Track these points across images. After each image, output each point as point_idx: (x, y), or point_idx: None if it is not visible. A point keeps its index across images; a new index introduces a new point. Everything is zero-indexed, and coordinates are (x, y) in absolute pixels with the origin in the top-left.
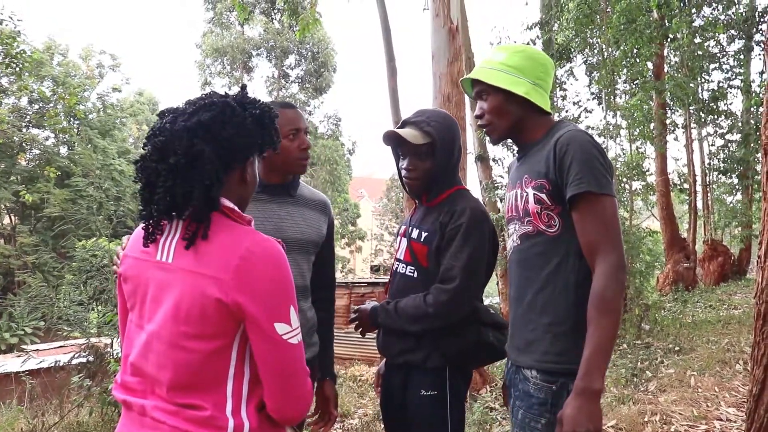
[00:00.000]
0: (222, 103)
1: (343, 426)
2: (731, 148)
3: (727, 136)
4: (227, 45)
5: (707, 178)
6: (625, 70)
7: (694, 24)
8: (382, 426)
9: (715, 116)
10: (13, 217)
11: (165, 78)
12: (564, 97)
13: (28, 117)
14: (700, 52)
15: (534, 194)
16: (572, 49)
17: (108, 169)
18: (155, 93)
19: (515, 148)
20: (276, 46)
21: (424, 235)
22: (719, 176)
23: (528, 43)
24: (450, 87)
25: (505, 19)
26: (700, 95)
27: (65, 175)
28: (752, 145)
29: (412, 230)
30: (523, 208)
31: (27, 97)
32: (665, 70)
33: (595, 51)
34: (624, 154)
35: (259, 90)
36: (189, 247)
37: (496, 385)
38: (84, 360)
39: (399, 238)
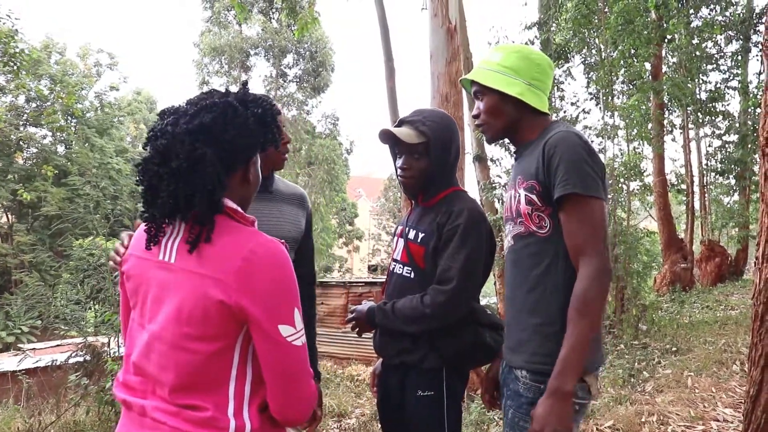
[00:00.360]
0: (223, 104)
1: (341, 426)
2: (729, 149)
3: (725, 137)
4: (225, 44)
5: (704, 178)
6: (622, 71)
7: (691, 25)
8: (379, 426)
9: (713, 117)
10: (10, 216)
11: (164, 77)
12: (562, 98)
13: (26, 115)
14: (697, 53)
15: (525, 195)
16: (570, 50)
17: (105, 168)
18: (154, 92)
19: (512, 148)
20: (274, 45)
21: (421, 235)
22: (716, 177)
23: (526, 43)
24: (448, 87)
25: (503, 18)
26: (697, 96)
27: (62, 174)
28: (749, 146)
29: (408, 231)
30: (516, 208)
31: (24, 95)
32: (663, 71)
33: (593, 51)
34: (622, 154)
35: (256, 89)
36: (192, 250)
37: None
38: (81, 359)
39: (396, 238)
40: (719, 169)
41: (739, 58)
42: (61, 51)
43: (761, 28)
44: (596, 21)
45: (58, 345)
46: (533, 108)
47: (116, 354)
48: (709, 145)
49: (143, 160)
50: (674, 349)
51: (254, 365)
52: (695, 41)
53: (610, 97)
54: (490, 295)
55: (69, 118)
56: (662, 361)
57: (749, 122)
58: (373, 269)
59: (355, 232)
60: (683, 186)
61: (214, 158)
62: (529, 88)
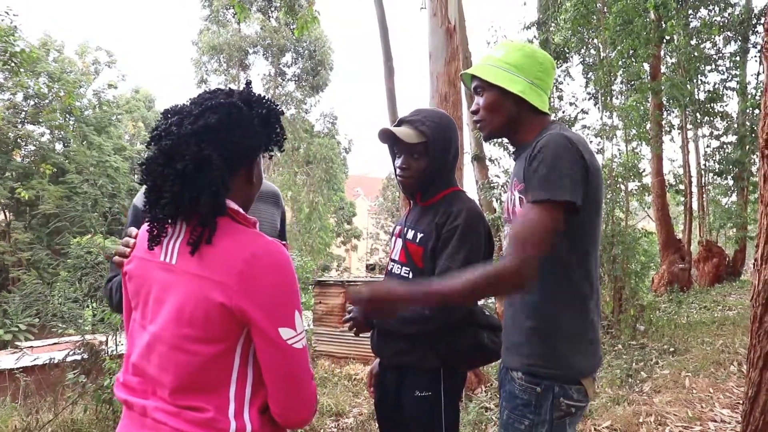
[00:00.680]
0: (229, 104)
1: (338, 425)
2: (727, 150)
3: (723, 138)
4: (224, 42)
5: (703, 179)
6: (621, 71)
7: (690, 25)
8: (377, 426)
9: (711, 118)
10: (7, 214)
11: (163, 76)
12: (560, 98)
13: (24, 113)
14: (696, 54)
15: (519, 197)
16: (569, 50)
17: (103, 166)
18: (152, 90)
19: (512, 148)
20: (273, 43)
21: (419, 236)
22: (714, 177)
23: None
24: (447, 86)
25: (502, 18)
26: (696, 96)
27: (60, 172)
28: (748, 146)
29: (407, 231)
30: (512, 210)
31: (22, 93)
32: (661, 72)
33: (592, 51)
34: (620, 154)
35: (255, 88)
36: (194, 252)
37: (491, 385)
38: (79, 357)
39: (394, 238)
40: (717, 170)
41: (738, 59)
42: (59, 49)
43: (760, 29)
44: (595, 21)
45: (55, 343)
46: (533, 107)
47: (114, 352)
48: (708, 146)
49: (147, 159)
50: (672, 349)
51: (255, 367)
52: (694, 42)
53: (608, 98)
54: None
55: (67, 116)
56: (660, 361)
57: (747, 123)
58: (371, 268)
59: (353, 231)
60: (681, 186)
61: (219, 160)
62: (531, 86)
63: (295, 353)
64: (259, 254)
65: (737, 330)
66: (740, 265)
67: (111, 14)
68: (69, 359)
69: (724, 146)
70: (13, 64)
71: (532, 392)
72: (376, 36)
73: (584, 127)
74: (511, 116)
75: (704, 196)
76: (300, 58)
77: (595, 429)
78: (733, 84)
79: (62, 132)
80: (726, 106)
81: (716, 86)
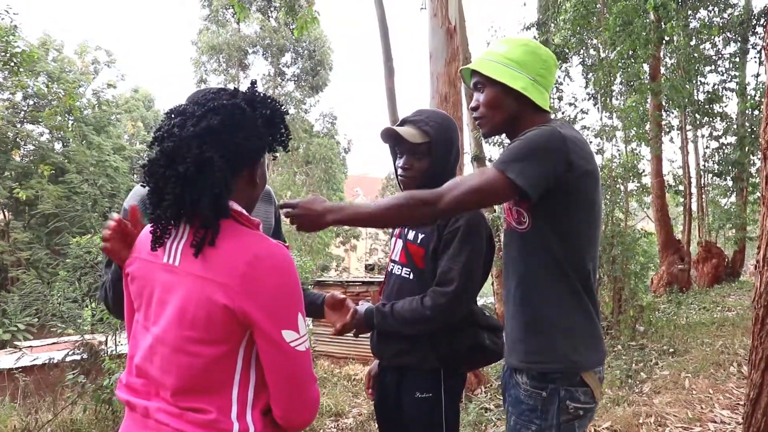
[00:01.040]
0: (232, 105)
1: (338, 425)
2: (726, 151)
3: (722, 139)
4: (223, 42)
5: (702, 180)
6: (621, 72)
7: (690, 26)
8: (377, 426)
9: (711, 118)
10: (6, 213)
11: (162, 76)
12: (560, 98)
13: (23, 113)
14: (695, 55)
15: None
16: (569, 50)
17: (102, 166)
18: (152, 90)
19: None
20: (272, 43)
21: (420, 236)
22: (714, 178)
23: None
24: (447, 87)
25: (502, 19)
26: (695, 97)
27: (59, 172)
28: (747, 147)
29: (407, 231)
30: (505, 206)
31: (22, 93)
32: (661, 72)
33: (592, 52)
34: (619, 155)
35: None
36: (197, 254)
37: (491, 385)
38: (78, 357)
39: (394, 239)
40: (717, 171)
41: (737, 59)
42: (59, 48)
43: (759, 30)
44: (595, 22)
45: (54, 343)
46: (534, 104)
47: (113, 352)
48: (707, 147)
49: (149, 161)
50: (671, 350)
51: (258, 369)
52: (693, 43)
53: (608, 98)
54: (487, 295)
55: (66, 115)
56: (659, 362)
57: (747, 124)
58: (370, 268)
59: (353, 231)
60: (681, 187)
61: (221, 162)
62: (533, 83)
63: (297, 355)
64: (262, 256)
65: (737, 331)
66: (739, 266)
67: (111, 14)
68: (68, 359)
69: (724, 147)
70: (12, 64)
71: (538, 397)
72: (376, 36)
73: (584, 127)
74: (512, 113)
75: (703, 196)
76: (299, 58)
77: (595, 430)
78: (732, 85)
79: (61, 132)
80: (725, 107)
81: (716, 87)
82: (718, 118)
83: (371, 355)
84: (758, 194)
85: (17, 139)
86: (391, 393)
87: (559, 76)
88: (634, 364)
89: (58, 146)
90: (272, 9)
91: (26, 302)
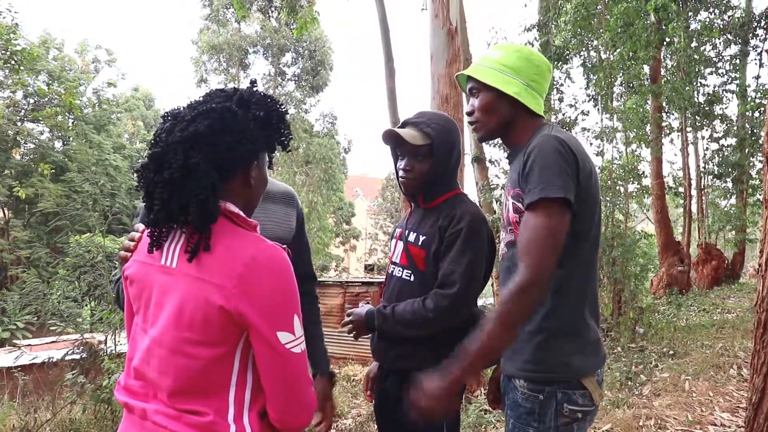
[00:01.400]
0: (221, 109)
1: (337, 426)
2: (726, 152)
3: (722, 141)
4: (224, 42)
5: (702, 181)
6: (621, 73)
7: (690, 28)
8: (376, 428)
9: (711, 120)
10: (6, 211)
11: (163, 75)
12: (561, 99)
13: (24, 111)
14: (696, 57)
15: (513, 203)
16: (569, 52)
17: (103, 165)
18: (153, 89)
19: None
20: (273, 43)
21: (422, 238)
22: (714, 180)
23: (526, 44)
24: (448, 88)
25: (503, 20)
26: (696, 99)
27: (59, 171)
28: (747, 149)
29: (408, 233)
30: (506, 217)
31: (22, 91)
32: (662, 74)
33: (592, 54)
34: (620, 156)
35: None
36: (192, 259)
37: None
38: (77, 356)
39: (394, 240)
40: (717, 173)
41: (738, 61)
42: (59, 47)
43: (760, 32)
44: (595, 23)
45: (53, 341)
46: (528, 109)
47: (113, 352)
48: (707, 149)
49: (141, 166)
50: (671, 352)
51: (254, 372)
52: (694, 44)
53: (608, 100)
54: (486, 296)
55: (67, 114)
56: (659, 364)
57: (747, 126)
58: (369, 269)
59: (352, 232)
60: (681, 189)
61: (208, 167)
62: (526, 88)
63: (293, 357)
64: (259, 258)
65: (736, 333)
66: (739, 268)
67: (111, 13)
68: (67, 358)
69: (724, 149)
70: (13, 62)
71: (535, 400)
72: (377, 36)
73: (584, 129)
74: (505, 118)
75: (703, 198)
76: (300, 58)
77: None
78: (732, 87)
79: (62, 131)
80: (725, 108)
81: (716, 89)
82: (718, 120)
83: (370, 355)
84: (758, 196)
85: (17, 138)
86: (392, 396)
87: (559, 78)
88: (633, 366)
89: (58, 145)
90: (273, 9)
91: (26, 301)
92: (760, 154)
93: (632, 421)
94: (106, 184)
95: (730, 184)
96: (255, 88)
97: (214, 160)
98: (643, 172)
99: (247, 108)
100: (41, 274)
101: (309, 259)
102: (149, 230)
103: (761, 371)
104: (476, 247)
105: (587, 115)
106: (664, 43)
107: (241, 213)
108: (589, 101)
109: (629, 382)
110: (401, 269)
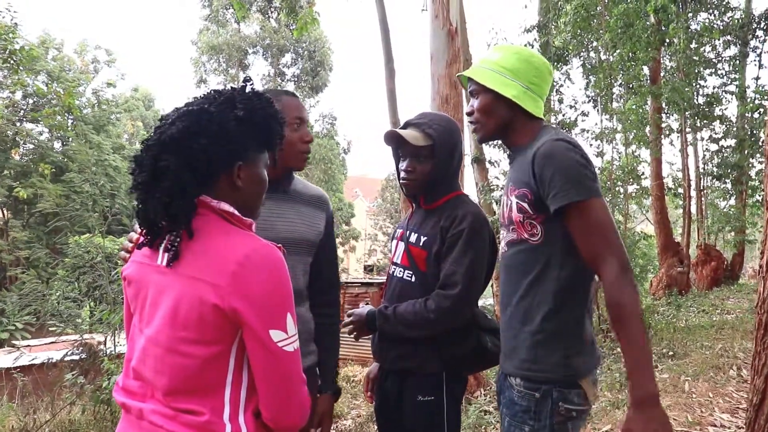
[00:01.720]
0: (198, 111)
1: (337, 427)
2: (725, 154)
3: (722, 142)
4: (223, 42)
5: (701, 182)
6: (621, 74)
7: (690, 29)
8: (376, 429)
9: (710, 121)
10: (5, 212)
11: (163, 76)
12: (560, 100)
13: (23, 111)
14: (696, 58)
15: (517, 203)
16: (569, 52)
17: (102, 165)
18: (153, 90)
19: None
20: (272, 44)
21: (423, 239)
22: (713, 181)
23: (526, 46)
24: (448, 89)
25: (503, 21)
26: (695, 100)
27: (59, 171)
28: (746, 150)
29: (410, 234)
30: (508, 216)
31: (21, 91)
32: (661, 75)
33: (592, 54)
34: (619, 157)
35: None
36: (171, 262)
37: (490, 388)
38: (77, 357)
39: (395, 241)
40: (716, 173)
41: (737, 62)
42: (59, 47)
43: (760, 33)
44: (595, 24)
45: (52, 342)
46: (527, 112)
47: (112, 353)
48: (706, 150)
49: (131, 170)
50: (671, 353)
51: (250, 371)
52: (694, 45)
53: (608, 101)
54: (486, 297)
55: (66, 114)
56: (659, 365)
57: (746, 127)
58: (369, 269)
59: (352, 232)
60: (680, 190)
61: (180, 169)
62: (525, 91)
63: (285, 356)
64: (252, 256)
65: (736, 334)
66: (738, 269)
67: (111, 13)
68: (67, 359)
69: (723, 150)
70: (12, 62)
71: (531, 398)
72: (376, 36)
73: (584, 130)
74: (504, 120)
75: (703, 199)
76: (299, 59)
77: None
78: (732, 88)
79: (61, 131)
80: (725, 109)
81: (715, 90)
82: (718, 121)
83: (370, 356)
84: (757, 197)
85: (17, 138)
86: (393, 396)
87: (559, 79)
88: None
89: (57, 145)
90: (272, 9)
91: (25, 302)
92: (759, 155)
93: None
94: (105, 185)
95: (729, 185)
96: (247, 87)
97: (189, 162)
98: (643, 173)
99: (232, 107)
100: (40, 275)
101: (335, 264)
102: (141, 231)
103: (762, 373)
104: (478, 248)
105: (587, 116)
106: (664, 44)
107: (236, 212)
108: (588, 102)
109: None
110: (402, 270)
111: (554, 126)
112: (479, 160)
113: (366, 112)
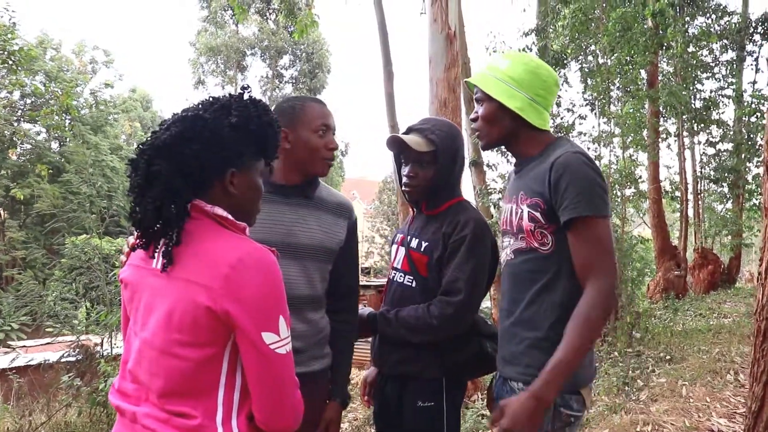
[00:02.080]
0: (192, 117)
1: None
2: (723, 157)
3: (719, 146)
4: (221, 44)
5: (698, 186)
6: (619, 78)
7: (687, 33)
8: (374, 431)
9: (707, 125)
10: (2, 212)
11: (161, 77)
12: (558, 104)
13: (20, 111)
14: (693, 62)
15: (528, 212)
16: (567, 56)
17: (100, 166)
18: (151, 91)
19: (509, 153)
20: (270, 46)
21: (424, 245)
22: (710, 185)
23: (523, 50)
24: (446, 92)
25: (501, 24)
26: (692, 104)
27: (56, 171)
28: (743, 154)
29: (411, 239)
30: (518, 224)
31: (19, 91)
32: (659, 79)
33: (590, 58)
34: (617, 161)
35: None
36: (167, 266)
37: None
38: (73, 359)
39: (395, 246)
40: (713, 177)
41: (734, 67)
42: (57, 47)
43: (757, 37)
44: (593, 28)
45: (49, 343)
46: (532, 124)
47: (109, 355)
48: (703, 153)
49: (128, 174)
50: (668, 357)
51: (243, 374)
52: (691, 50)
53: (606, 104)
54: (484, 300)
55: (64, 115)
56: (656, 369)
57: (743, 131)
58: (366, 272)
59: None
60: (677, 193)
61: (172, 174)
62: (530, 103)
63: (277, 358)
64: (245, 258)
65: (733, 338)
66: (735, 273)
67: (109, 14)
68: (63, 360)
69: (720, 153)
70: (10, 62)
71: None
72: (375, 39)
73: (581, 133)
74: (508, 130)
75: (700, 203)
76: (298, 61)
77: None
78: (729, 92)
79: (59, 131)
80: (722, 113)
81: (713, 94)
82: (715, 125)
83: (367, 359)
84: (754, 201)
85: (14, 138)
86: (393, 401)
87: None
88: (630, 372)
89: (55, 146)
90: (270, 11)
91: (22, 302)
92: (756, 159)
93: (629, 426)
94: (102, 186)
95: (726, 189)
96: (245, 94)
97: (181, 168)
98: (640, 176)
99: (227, 114)
100: (37, 276)
101: (356, 271)
102: (136, 234)
103: (761, 380)
104: (480, 254)
105: (584, 119)
106: (662, 48)
107: (230, 216)
108: (586, 105)
109: (626, 387)
110: (403, 275)
111: (568, 138)
112: (477, 164)
113: (364, 114)
